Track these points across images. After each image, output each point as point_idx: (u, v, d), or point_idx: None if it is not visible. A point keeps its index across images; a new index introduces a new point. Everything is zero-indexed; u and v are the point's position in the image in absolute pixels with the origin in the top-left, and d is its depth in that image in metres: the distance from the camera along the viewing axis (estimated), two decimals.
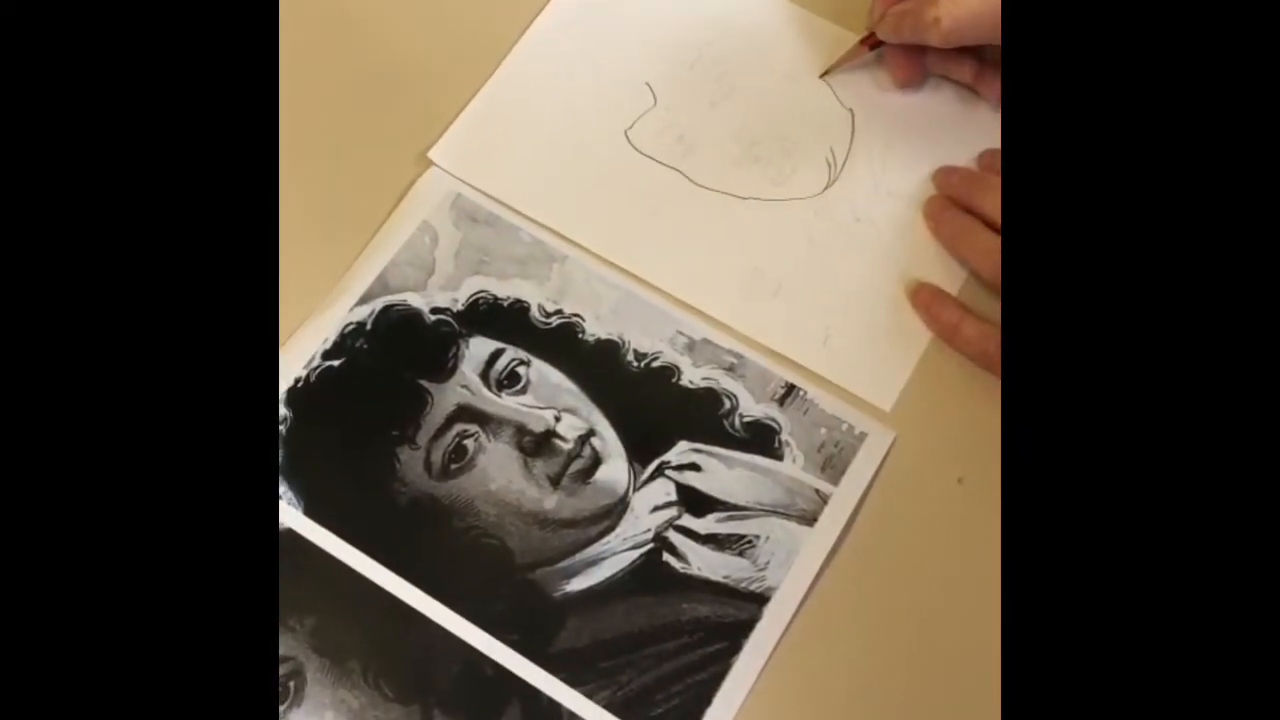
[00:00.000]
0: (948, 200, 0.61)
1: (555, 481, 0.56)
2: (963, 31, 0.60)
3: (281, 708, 0.52)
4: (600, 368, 0.58)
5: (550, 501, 0.56)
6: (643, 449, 0.57)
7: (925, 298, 0.59)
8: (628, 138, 0.64)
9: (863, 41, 0.64)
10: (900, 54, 0.64)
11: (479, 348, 0.59)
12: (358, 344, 0.59)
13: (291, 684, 0.53)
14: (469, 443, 0.57)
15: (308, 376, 0.58)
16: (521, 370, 0.58)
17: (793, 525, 0.55)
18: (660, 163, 0.63)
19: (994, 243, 0.58)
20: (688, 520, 0.56)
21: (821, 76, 0.65)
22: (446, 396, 0.58)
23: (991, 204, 0.59)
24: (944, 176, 0.62)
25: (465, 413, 0.57)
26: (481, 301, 0.60)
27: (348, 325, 0.59)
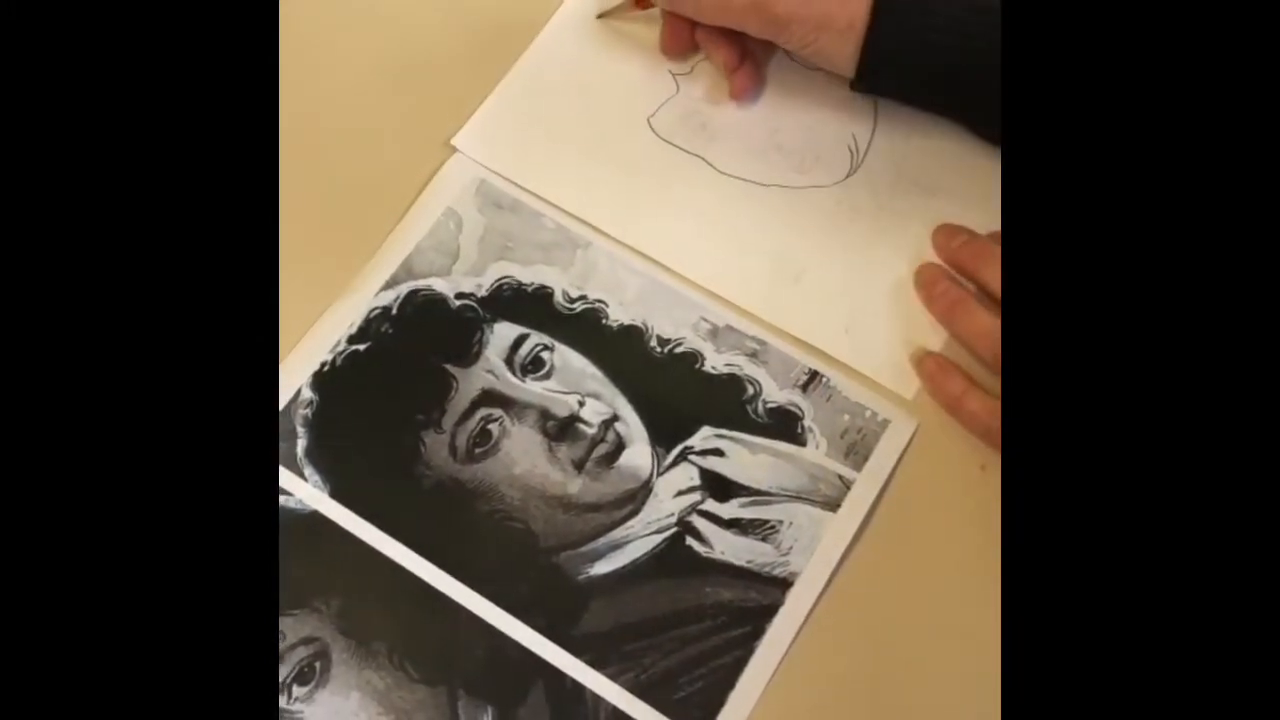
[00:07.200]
0: (940, 271, 0.59)
1: (579, 466, 0.57)
2: (715, 9, 0.60)
3: (308, 688, 0.53)
4: (623, 353, 0.59)
5: (574, 485, 0.56)
6: (666, 434, 0.57)
7: (931, 367, 0.58)
8: (650, 125, 0.64)
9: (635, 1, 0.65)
10: (670, 22, 0.63)
11: (503, 333, 0.59)
12: (383, 329, 0.59)
13: (317, 665, 0.53)
14: (493, 427, 0.57)
15: (334, 360, 0.58)
16: (545, 355, 0.59)
17: (816, 511, 0.56)
18: (683, 149, 0.63)
19: (992, 323, 0.56)
20: (711, 505, 0.56)
21: (599, 17, 0.65)
22: (471, 381, 0.58)
23: (992, 276, 0.57)
24: (944, 238, 0.60)
25: (490, 397, 0.58)
26: (506, 287, 0.60)
27: (373, 310, 0.59)
